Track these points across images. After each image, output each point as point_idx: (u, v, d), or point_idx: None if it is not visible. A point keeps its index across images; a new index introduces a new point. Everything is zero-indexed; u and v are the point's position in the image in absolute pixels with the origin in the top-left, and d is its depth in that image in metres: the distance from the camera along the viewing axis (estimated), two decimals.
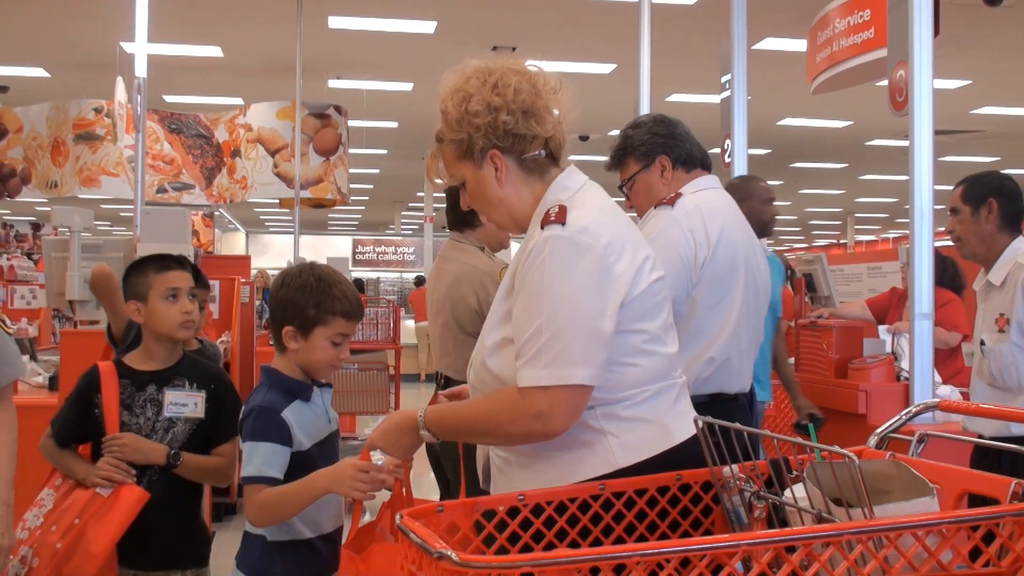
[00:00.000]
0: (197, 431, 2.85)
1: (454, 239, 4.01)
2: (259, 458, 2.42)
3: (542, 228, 1.95)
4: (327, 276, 2.54)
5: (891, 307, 5.99)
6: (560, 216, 1.94)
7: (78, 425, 2.84)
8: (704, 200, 2.92)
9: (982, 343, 3.45)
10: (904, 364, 4.92)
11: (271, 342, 2.62)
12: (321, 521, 2.52)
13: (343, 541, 2.57)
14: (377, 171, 22.71)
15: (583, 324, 1.88)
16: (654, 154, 3.06)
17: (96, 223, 5.34)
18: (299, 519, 2.46)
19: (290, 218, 11.13)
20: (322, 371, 2.58)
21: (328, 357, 2.54)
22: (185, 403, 2.85)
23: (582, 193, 2.07)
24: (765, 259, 3.12)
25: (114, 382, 2.82)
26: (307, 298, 2.50)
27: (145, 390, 2.84)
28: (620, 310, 1.92)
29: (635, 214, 3.29)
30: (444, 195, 3.89)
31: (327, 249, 22.99)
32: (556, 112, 2.08)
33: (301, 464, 2.46)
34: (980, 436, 3.27)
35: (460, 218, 3.93)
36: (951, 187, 3.73)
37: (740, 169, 6.24)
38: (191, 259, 4.06)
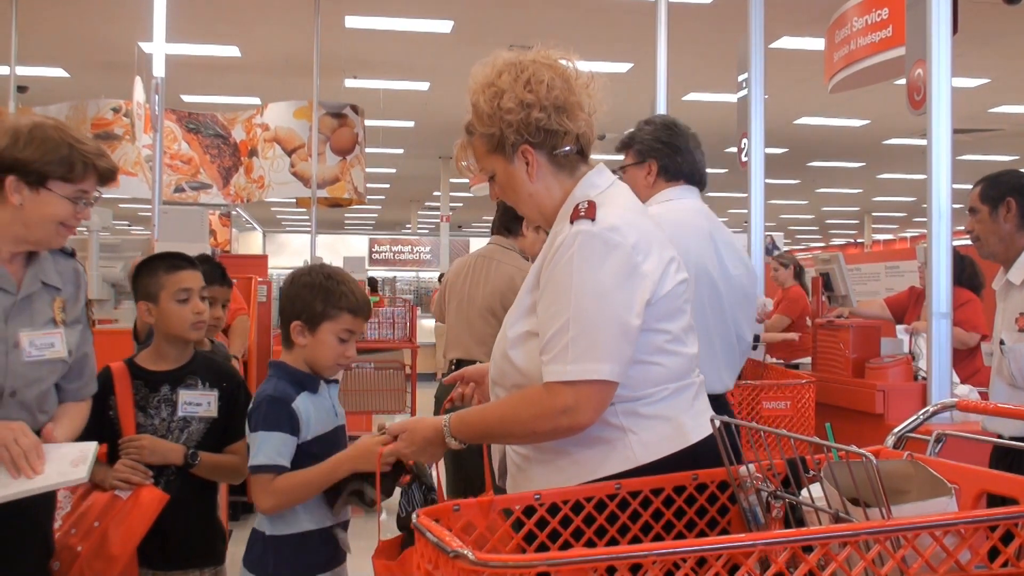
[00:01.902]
0: (211, 430, 2.84)
1: (500, 243, 4.50)
2: (270, 447, 2.47)
3: (571, 223, 1.95)
4: (335, 275, 2.60)
5: (909, 306, 5.97)
6: (590, 212, 1.94)
7: (92, 427, 2.75)
8: (665, 211, 3.08)
9: (1001, 343, 3.43)
10: (922, 364, 4.90)
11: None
12: (323, 514, 2.54)
13: (348, 532, 2.61)
14: (393, 170, 22.76)
15: (611, 320, 1.88)
16: (647, 155, 3.28)
17: (114, 222, 5.36)
18: (303, 509, 2.50)
19: (307, 217, 11.17)
20: (329, 368, 2.62)
21: (335, 353, 2.58)
22: (199, 402, 2.83)
23: (610, 191, 2.07)
24: (741, 264, 3.27)
25: (127, 383, 2.80)
26: (314, 294, 2.56)
27: (159, 391, 2.82)
28: (646, 309, 1.92)
29: None
30: (497, 202, 4.30)
31: (344, 248, 23.02)
32: (587, 108, 2.07)
33: (304, 455, 2.50)
34: (1000, 436, 3.26)
35: (508, 224, 4.48)
36: (969, 186, 3.71)
37: (757, 168, 6.21)
38: (212, 257, 4.07)
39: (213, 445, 2.84)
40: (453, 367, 4.40)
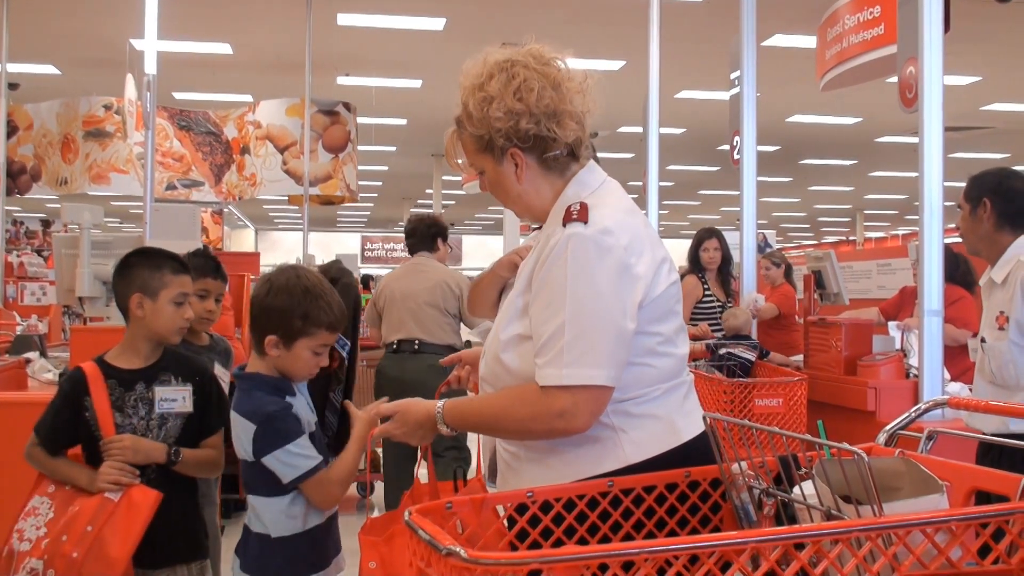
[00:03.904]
0: (187, 425, 2.82)
1: (425, 256, 6.01)
2: (303, 451, 2.46)
3: (564, 225, 1.94)
4: (314, 287, 2.54)
5: (902, 306, 5.98)
6: (582, 214, 1.94)
7: (68, 430, 2.76)
8: None
9: (983, 340, 3.45)
10: (913, 361, 4.90)
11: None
12: (317, 513, 2.56)
13: (341, 531, 2.63)
14: (386, 168, 22.73)
15: (607, 324, 1.88)
16: None
17: (106, 220, 5.35)
18: (300, 512, 2.52)
19: (299, 215, 11.15)
20: (301, 377, 2.60)
21: (309, 366, 2.57)
22: (174, 398, 2.81)
23: (602, 190, 2.06)
24: None
25: (102, 383, 2.75)
26: (293, 309, 2.50)
27: (134, 389, 2.78)
28: (639, 311, 1.92)
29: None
30: (409, 228, 6.12)
31: (336, 246, 23.05)
32: (579, 112, 2.05)
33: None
34: (982, 432, 3.27)
35: (428, 243, 6.01)
36: (960, 183, 3.72)
37: (749, 166, 6.22)
38: (207, 251, 4.05)
39: (190, 440, 2.83)
40: (394, 348, 5.81)
